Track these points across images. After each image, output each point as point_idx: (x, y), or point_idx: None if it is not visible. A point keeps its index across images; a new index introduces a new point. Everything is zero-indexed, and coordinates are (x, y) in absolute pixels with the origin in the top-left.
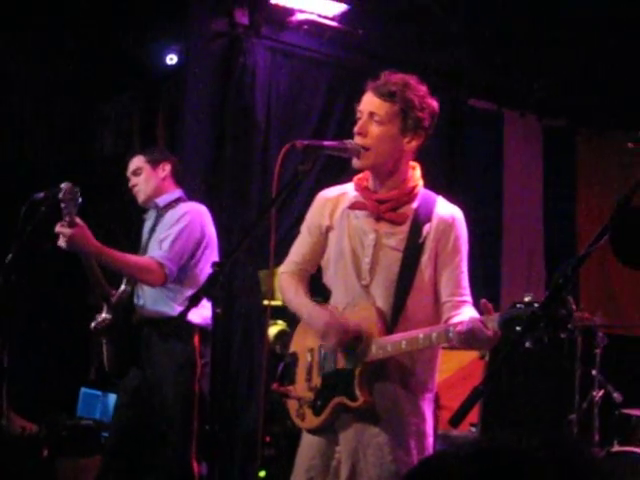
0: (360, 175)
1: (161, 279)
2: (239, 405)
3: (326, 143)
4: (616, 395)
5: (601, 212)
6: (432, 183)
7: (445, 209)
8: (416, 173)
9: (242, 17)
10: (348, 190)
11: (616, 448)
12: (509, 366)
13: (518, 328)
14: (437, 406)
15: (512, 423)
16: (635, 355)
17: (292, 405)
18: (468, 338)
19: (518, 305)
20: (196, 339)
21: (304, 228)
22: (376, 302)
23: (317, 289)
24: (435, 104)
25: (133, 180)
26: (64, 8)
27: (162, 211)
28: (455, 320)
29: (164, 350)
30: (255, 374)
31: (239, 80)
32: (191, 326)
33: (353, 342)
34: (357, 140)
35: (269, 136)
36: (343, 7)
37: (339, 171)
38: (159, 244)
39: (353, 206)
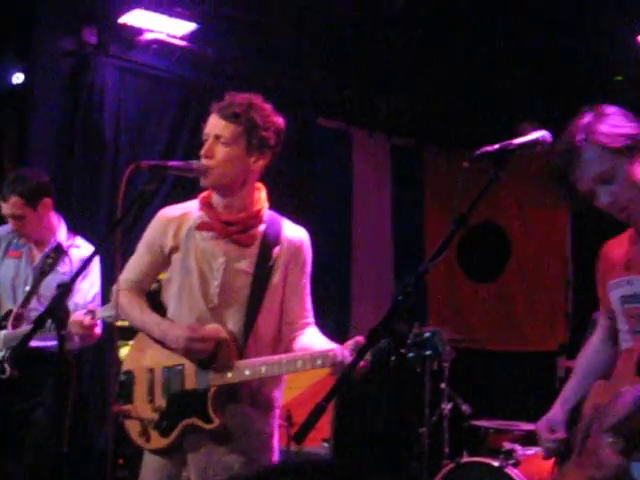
0: (204, 193)
1: None
2: (92, 427)
3: (171, 163)
4: (465, 407)
5: (449, 229)
6: (281, 202)
7: (293, 232)
8: (262, 195)
9: (90, 36)
10: (191, 209)
11: (465, 459)
12: (360, 382)
13: (393, 358)
14: (290, 423)
15: (364, 438)
16: (482, 368)
17: (133, 425)
18: (340, 366)
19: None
20: (73, 365)
21: (143, 246)
22: (226, 324)
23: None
24: (281, 122)
25: (14, 224)
26: None
27: (63, 252)
28: (301, 341)
29: (38, 377)
30: (107, 395)
31: (87, 99)
32: (66, 353)
33: (215, 351)
34: (204, 162)
35: (118, 155)
36: (192, 27)
37: (189, 190)
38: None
39: (200, 227)
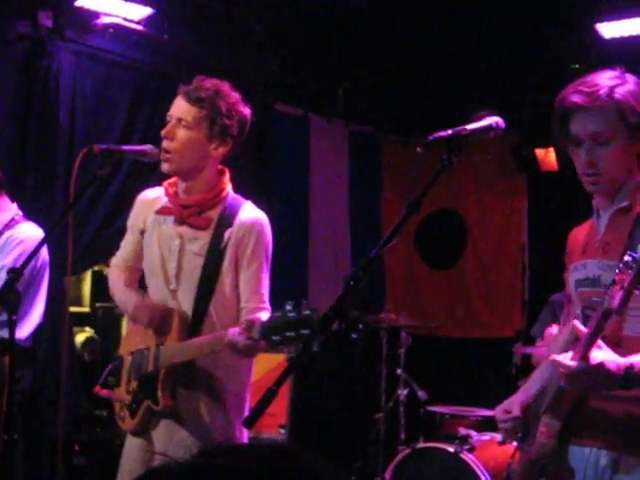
0: (171, 180)
1: None
2: (47, 414)
3: (124, 147)
4: (421, 393)
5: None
6: (239, 189)
7: (248, 214)
8: (224, 178)
9: (46, 19)
10: (162, 194)
11: (421, 444)
12: (318, 367)
13: (275, 338)
14: None
15: (320, 423)
16: (439, 354)
17: (116, 408)
18: (232, 346)
19: (277, 314)
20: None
21: (128, 226)
22: (182, 307)
23: None
24: (247, 112)
25: None
26: None
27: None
28: None
29: None
30: (61, 381)
31: (42, 84)
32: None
33: (163, 320)
34: (164, 144)
35: (74, 140)
36: (149, 11)
37: (146, 175)
38: None
39: (160, 211)
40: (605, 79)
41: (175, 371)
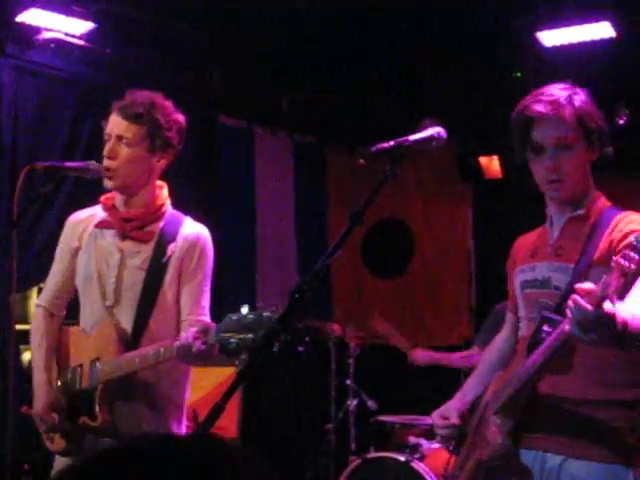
0: (108, 194)
1: None
2: None
3: (68, 164)
4: (370, 403)
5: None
6: (184, 202)
7: (190, 228)
8: (163, 192)
9: None
10: (97, 211)
11: (372, 454)
12: (267, 380)
13: (232, 340)
14: (196, 423)
15: (271, 436)
16: (387, 364)
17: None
18: (185, 352)
19: (234, 317)
20: None
21: (57, 253)
22: (121, 322)
23: None
24: (182, 120)
25: None
26: None
27: None
28: None
29: None
30: (8, 400)
31: None
32: None
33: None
34: (106, 163)
35: (16, 157)
36: (90, 25)
37: (90, 192)
38: None
39: (99, 225)
40: (560, 90)
41: (114, 386)
